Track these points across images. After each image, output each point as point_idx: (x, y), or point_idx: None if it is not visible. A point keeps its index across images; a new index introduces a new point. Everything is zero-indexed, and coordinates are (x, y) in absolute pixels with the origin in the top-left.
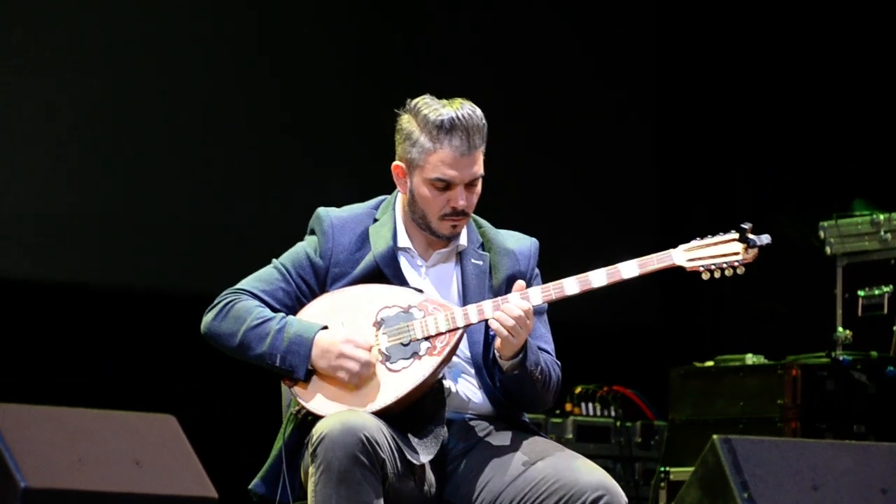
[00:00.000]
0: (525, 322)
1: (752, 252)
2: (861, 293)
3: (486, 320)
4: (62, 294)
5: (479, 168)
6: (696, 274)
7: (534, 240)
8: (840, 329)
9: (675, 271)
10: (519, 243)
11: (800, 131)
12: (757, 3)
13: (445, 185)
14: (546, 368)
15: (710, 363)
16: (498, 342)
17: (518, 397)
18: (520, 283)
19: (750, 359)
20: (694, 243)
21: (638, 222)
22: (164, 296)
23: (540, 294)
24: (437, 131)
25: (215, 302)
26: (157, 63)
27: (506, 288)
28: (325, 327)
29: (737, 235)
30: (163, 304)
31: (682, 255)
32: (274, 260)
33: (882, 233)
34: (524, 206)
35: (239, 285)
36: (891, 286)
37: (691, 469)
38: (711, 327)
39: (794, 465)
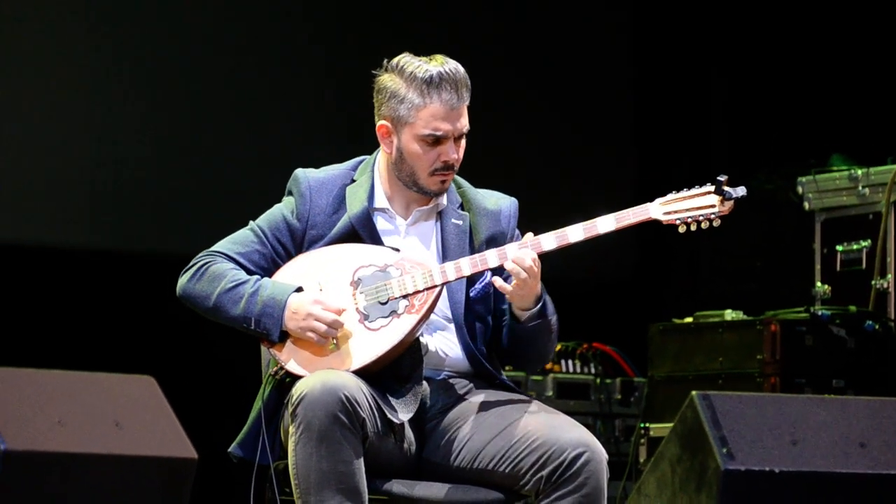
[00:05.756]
0: (534, 270)
1: (728, 204)
2: (839, 248)
3: (465, 277)
4: (41, 256)
5: (467, 122)
6: (672, 227)
7: (513, 199)
8: (819, 284)
9: (653, 226)
10: (498, 203)
11: (777, 86)
12: None
13: (436, 140)
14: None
15: (689, 319)
16: (511, 295)
17: (527, 353)
18: (528, 235)
19: (729, 314)
20: (670, 196)
21: (615, 178)
22: (143, 257)
23: (517, 248)
24: (427, 87)
25: (190, 264)
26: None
27: (486, 248)
28: (300, 289)
29: (712, 188)
30: (142, 265)
31: (658, 209)
32: (251, 222)
33: (860, 188)
34: (502, 164)
35: (215, 247)
36: (869, 241)
37: (671, 425)
38: (690, 283)
39: (773, 419)
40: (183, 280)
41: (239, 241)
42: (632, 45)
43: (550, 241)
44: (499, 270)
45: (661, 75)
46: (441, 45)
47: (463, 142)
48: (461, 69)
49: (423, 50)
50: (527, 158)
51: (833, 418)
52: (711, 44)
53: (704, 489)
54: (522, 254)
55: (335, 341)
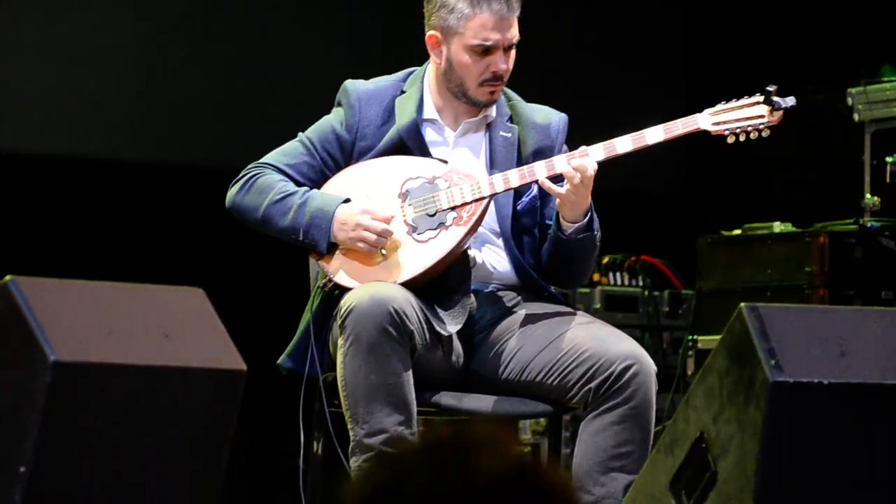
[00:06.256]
0: (589, 179)
1: (778, 114)
2: (889, 160)
3: (513, 190)
4: (90, 169)
5: (517, 32)
6: (721, 138)
7: (563, 115)
8: (868, 196)
9: (702, 137)
10: (548, 118)
11: None
12: None
13: (485, 50)
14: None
15: (737, 231)
16: (562, 200)
17: (568, 267)
18: (583, 148)
19: (777, 226)
20: (719, 107)
21: (665, 90)
22: (193, 169)
23: (566, 161)
24: None
25: (240, 176)
26: None
27: (533, 161)
28: (348, 200)
29: (762, 98)
30: (192, 177)
31: (707, 119)
32: (300, 134)
33: None
34: (551, 77)
35: (264, 159)
36: None
37: (719, 337)
38: (738, 195)
39: (822, 331)
40: (232, 192)
41: (288, 152)
42: None
43: (599, 152)
44: (552, 181)
45: None
46: None
47: (513, 52)
48: None
49: None
50: (577, 72)
51: (882, 330)
52: None
53: (752, 401)
54: (585, 161)
55: (383, 252)
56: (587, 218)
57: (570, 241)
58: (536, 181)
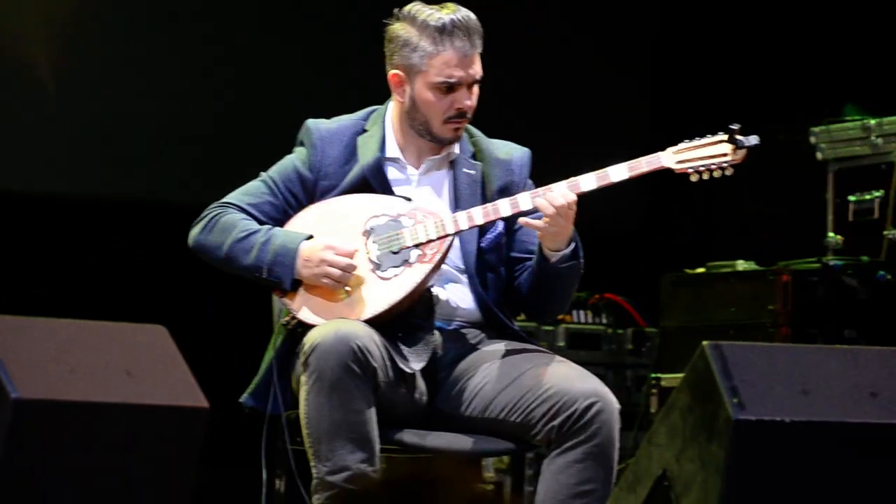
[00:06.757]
0: (565, 210)
1: (741, 153)
2: (852, 198)
3: (477, 228)
4: (53, 205)
5: (480, 69)
6: (685, 176)
7: (526, 149)
8: (831, 234)
9: (666, 176)
10: (511, 153)
11: (790, 36)
12: None
13: (449, 87)
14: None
15: (700, 269)
16: (542, 232)
17: (551, 297)
18: (547, 186)
19: (741, 265)
20: (683, 145)
21: (628, 129)
22: (155, 206)
23: (529, 199)
24: (439, 34)
25: (202, 215)
26: None
27: (498, 198)
28: (311, 237)
29: (725, 136)
30: (154, 214)
31: (671, 158)
32: (262, 173)
33: (873, 137)
34: (515, 115)
35: (226, 199)
36: (881, 191)
37: (682, 375)
38: (702, 233)
39: (784, 370)
40: (194, 231)
41: (250, 192)
42: None
43: (563, 190)
44: (526, 214)
45: (677, 24)
46: None
47: (476, 89)
48: (473, 16)
49: None
50: (541, 109)
51: (844, 368)
52: None
53: (715, 439)
54: (556, 192)
55: (347, 289)
56: (571, 247)
57: (556, 269)
58: (501, 218)
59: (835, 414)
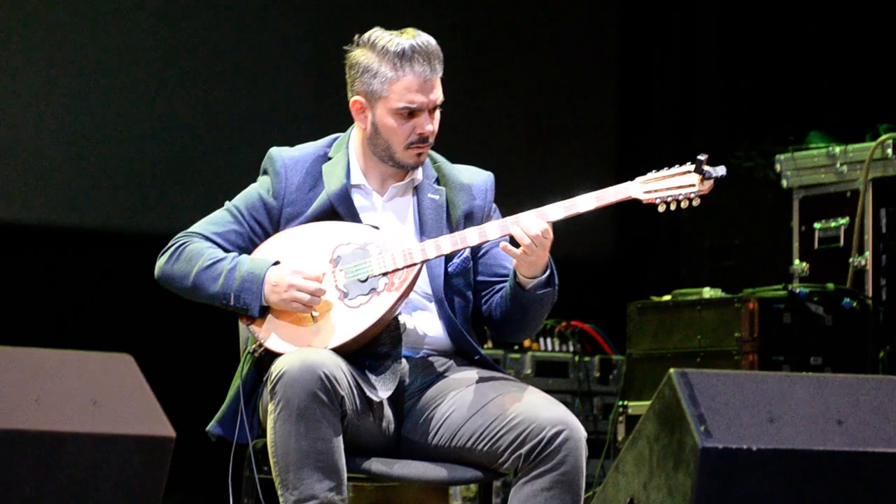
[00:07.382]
0: (541, 239)
1: (708, 183)
2: (817, 226)
3: (444, 255)
4: (19, 234)
5: (441, 93)
6: (652, 206)
7: (489, 174)
8: (797, 261)
9: (633, 205)
10: (474, 178)
11: (755, 63)
12: None
13: (410, 113)
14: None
15: (667, 297)
16: (518, 260)
17: (523, 321)
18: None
19: (707, 292)
20: (650, 175)
21: (596, 157)
22: (121, 236)
23: (498, 229)
24: (399, 60)
25: (168, 245)
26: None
27: (464, 223)
28: (277, 262)
29: (692, 167)
30: (120, 243)
31: (638, 188)
32: (227, 202)
33: (838, 165)
34: (480, 141)
35: (191, 228)
36: (847, 218)
37: (649, 403)
38: (668, 262)
39: (751, 397)
40: (161, 262)
41: (216, 221)
42: (615, 21)
43: (533, 218)
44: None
45: (644, 51)
46: (415, 19)
47: (437, 114)
48: (433, 41)
49: (398, 24)
50: (507, 136)
51: (810, 396)
52: (694, 21)
53: (682, 467)
54: (531, 221)
55: (314, 315)
56: (546, 273)
57: (530, 297)
58: (469, 247)
59: (801, 442)
